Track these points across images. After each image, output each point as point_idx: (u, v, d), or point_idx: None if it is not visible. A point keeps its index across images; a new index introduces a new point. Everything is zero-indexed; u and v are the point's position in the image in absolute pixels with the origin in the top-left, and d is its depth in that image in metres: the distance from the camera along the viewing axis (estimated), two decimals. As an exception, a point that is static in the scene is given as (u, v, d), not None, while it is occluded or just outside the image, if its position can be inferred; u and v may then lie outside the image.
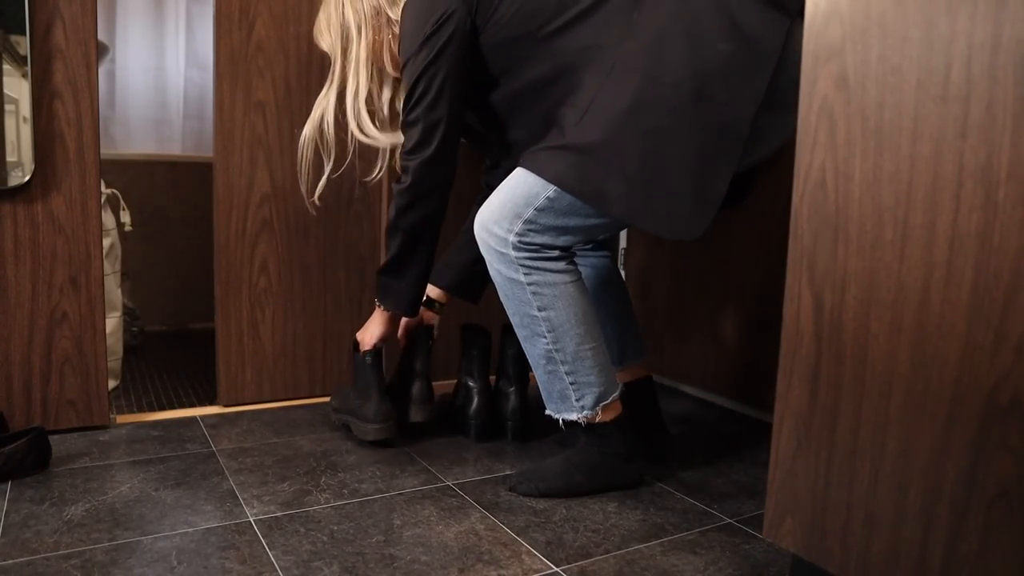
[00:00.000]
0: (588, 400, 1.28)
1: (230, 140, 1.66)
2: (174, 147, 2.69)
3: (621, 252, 2.13)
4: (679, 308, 1.89)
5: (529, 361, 1.32)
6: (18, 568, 0.99)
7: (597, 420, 1.29)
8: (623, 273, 2.09)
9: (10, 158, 1.40)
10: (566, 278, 1.25)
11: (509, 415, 1.58)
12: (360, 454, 1.47)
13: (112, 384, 1.70)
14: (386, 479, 1.35)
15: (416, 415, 1.54)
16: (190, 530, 1.12)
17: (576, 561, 1.08)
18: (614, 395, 1.30)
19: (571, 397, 1.28)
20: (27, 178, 1.41)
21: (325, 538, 1.11)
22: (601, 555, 1.10)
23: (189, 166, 2.62)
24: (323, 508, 1.22)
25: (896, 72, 0.79)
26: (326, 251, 1.80)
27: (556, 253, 1.25)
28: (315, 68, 1.73)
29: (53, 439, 1.44)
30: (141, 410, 1.71)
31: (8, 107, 1.39)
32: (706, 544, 1.15)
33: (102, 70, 2.47)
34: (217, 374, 1.72)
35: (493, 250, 1.26)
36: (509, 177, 1.28)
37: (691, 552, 1.12)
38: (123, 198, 1.83)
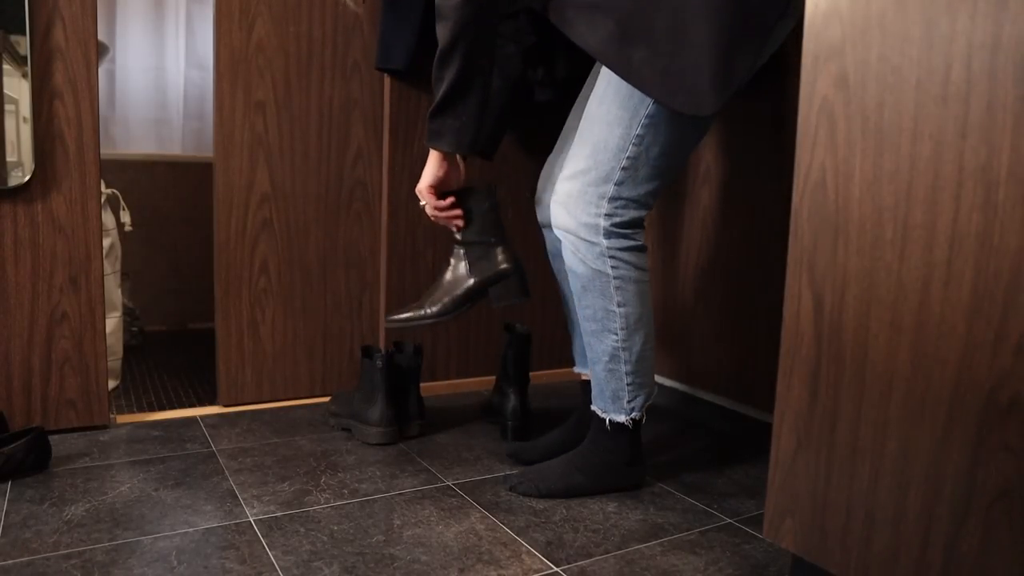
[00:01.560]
0: (639, 402, 1.29)
1: (230, 140, 1.66)
2: (174, 147, 2.69)
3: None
4: (678, 308, 1.89)
5: (589, 357, 1.31)
6: (18, 568, 0.99)
7: (643, 420, 1.30)
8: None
9: (10, 158, 1.40)
10: (645, 276, 1.27)
11: (509, 415, 1.57)
12: (360, 454, 1.47)
13: (112, 384, 1.70)
14: (386, 479, 1.35)
15: (413, 430, 1.58)
16: (190, 530, 1.12)
17: (576, 561, 1.08)
18: (654, 396, 1.32)
19: (624, 398, 1.28)
20: (27, 178, 1.41)
21: (325, 538, 1.11)
22: (601, 555, 1.10)
23: (189, 166, 2.63)
24: (323, 508, 1.22)
25: (896, 72, 0.79)
26: (326, 251, 1.80)
27: (642, 240, 1.26)
28: (315, 68, 1.73)
29: (53, 439, 1.44)
30: (141, 410, 1.71)
31: (8, 107, 1.39)
32: (706, 544, 1.15)
33: (102, 70, 2.47)
34: (217, 374, 1.72)
35: (584, 242, 1.24)
36: (569, 160, 1.26)
37: (691, 552, 1.12)
38: (123, 198, 1.83)
